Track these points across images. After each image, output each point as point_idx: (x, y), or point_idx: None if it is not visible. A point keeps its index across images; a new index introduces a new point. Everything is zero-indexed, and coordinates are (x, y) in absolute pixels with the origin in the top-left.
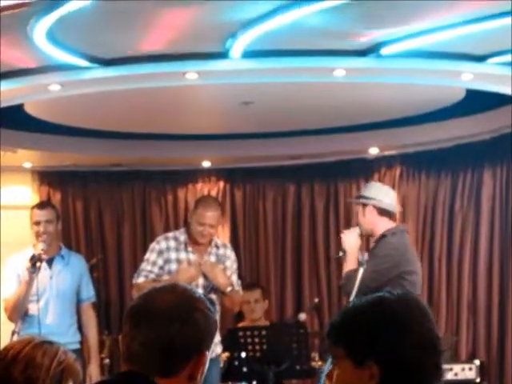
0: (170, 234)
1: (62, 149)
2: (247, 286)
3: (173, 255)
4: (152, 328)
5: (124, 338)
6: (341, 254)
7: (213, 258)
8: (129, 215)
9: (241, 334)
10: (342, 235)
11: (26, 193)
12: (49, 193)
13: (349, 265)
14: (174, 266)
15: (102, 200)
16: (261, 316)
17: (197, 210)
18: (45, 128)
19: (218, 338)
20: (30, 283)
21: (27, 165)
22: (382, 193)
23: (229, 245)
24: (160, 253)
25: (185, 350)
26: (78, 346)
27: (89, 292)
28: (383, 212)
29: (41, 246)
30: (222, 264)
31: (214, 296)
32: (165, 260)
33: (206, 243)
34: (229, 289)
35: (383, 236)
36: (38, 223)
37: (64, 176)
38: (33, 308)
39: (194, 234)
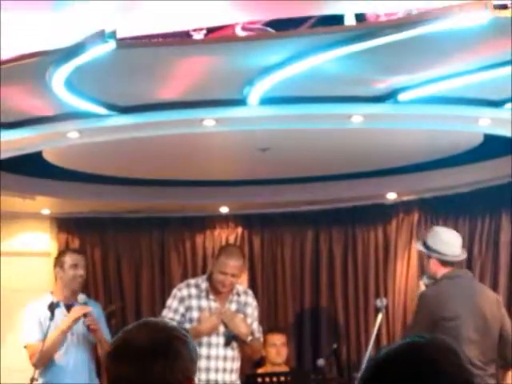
0: (192, 281)
1: (80, 196)
2: (274, 329)
3: (194, 303)
4: (136, 367)
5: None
6: None
7: (234, 306)
8: (147, 262)
9: (260, 380)
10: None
11: (45, 240)
12: (67, 240)
13: None
14: (195, 314)
15: (120, 247)
16: (284, 360)
17: (219, 258)
18: (63, 175)
19: None
20: (65, 332)
21: (45, 211)
22: (444, 244)
23: (250, 292)
24: (181, 300)
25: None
26: None
27: (106, 337)
28: (446, 263)
29: (82, 299)
30: (243, 312)
31: (234, 344)
32: (186, 307)
33: (227, 292)
34: (249, 338)
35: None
36: (76, 266)
37: (82, 223)
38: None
39: (215, 282)
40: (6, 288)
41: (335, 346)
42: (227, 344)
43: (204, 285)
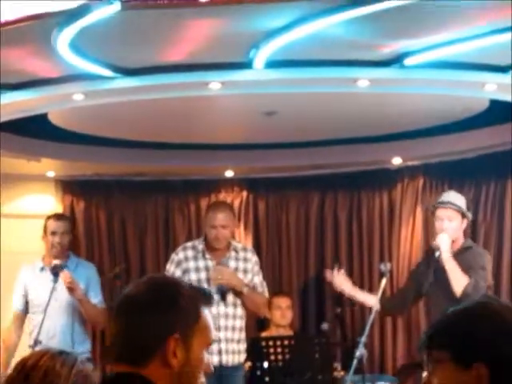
0: (189, 244)
1: (86, 158)
2: (280, 292)
3: (191, 264)
4: (116, 319)
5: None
6: (437, 253)
7: (232, 263)
8: (152, 225)
9: (263, 343)
10: (438, 238)
11: (49, 202)
12: (72, 202)
13: (457, 270)
14: (193, 276)
15: (125, 210)
16: (289, 323)
17: (207, 215)
18: (68, 137)
19: (243, 346)
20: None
21: (51, 174)
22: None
23: (249, 248)
24: (178, 263)
25: (146, 339)
26: (87, 355)
27: (96, 297)
28: (467, 226)
29: (56, 262)
30: (244, 268)
31: (237, 301)
32: (183, 270)
33: (223, 248)
34: (245, 289)
35: (469, 247)
36: (54, 233)
37: (87, 185)
38: (38, 319)
39: (209, 240)
40: (9, 250)
41: (339, 310)
42: (223, 298)
43: (200, 246)
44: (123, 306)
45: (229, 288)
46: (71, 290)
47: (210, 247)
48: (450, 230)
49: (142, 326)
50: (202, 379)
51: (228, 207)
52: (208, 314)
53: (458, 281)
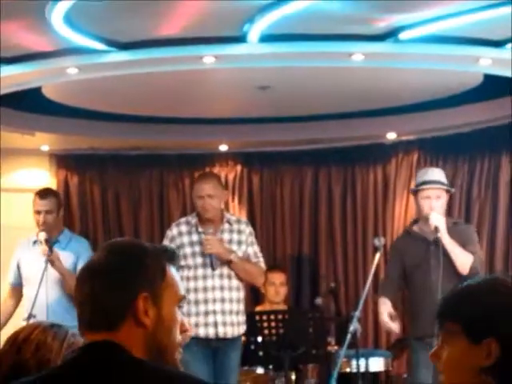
0: (183, 219)
1: (80, 132)
2: (274, 267)
3: (186, 239)
4: (81, 287)
5: None
6: (438, 234)
7: (226, 235)
8: (146, 199)
9: (257, 318)
10: (432, 216)
11: (44, 176)
12: (66, 176)
13: (459, 249)
14: (188, 250)
15: (120, 184)
16: (283, 299)
17: (194, 187)
18: (63, 111)
19: (242, 317)
20: None
21: (45, 148)
22: None
23: (243, 219)
24: (172, 239)
25: (113, 302)
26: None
27: None
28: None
29: (43, 236)
30: (238, 240)
31: (232, 273)
32: (178, 246)
33: (216, 220)
34: (233, 255)
35: (457, 223)
36: (38, 212)
37: (81, 160)
38: (31, 292)
39: (199, 211)
40: (3, 224)
41: (333, 284)
42: (213, 267)
43: (194, 220)
44: (86, 273)
45: (219, 257)
46: (51, 262)
47: (203, 220)
48: (439, 209)
49: (108, 289)
50: (179, 337)
51: (214, 177)
52: (176, 273)
53: (463, 259)
